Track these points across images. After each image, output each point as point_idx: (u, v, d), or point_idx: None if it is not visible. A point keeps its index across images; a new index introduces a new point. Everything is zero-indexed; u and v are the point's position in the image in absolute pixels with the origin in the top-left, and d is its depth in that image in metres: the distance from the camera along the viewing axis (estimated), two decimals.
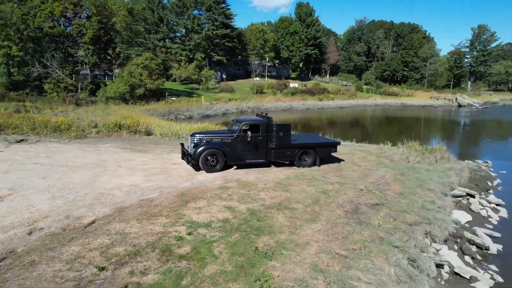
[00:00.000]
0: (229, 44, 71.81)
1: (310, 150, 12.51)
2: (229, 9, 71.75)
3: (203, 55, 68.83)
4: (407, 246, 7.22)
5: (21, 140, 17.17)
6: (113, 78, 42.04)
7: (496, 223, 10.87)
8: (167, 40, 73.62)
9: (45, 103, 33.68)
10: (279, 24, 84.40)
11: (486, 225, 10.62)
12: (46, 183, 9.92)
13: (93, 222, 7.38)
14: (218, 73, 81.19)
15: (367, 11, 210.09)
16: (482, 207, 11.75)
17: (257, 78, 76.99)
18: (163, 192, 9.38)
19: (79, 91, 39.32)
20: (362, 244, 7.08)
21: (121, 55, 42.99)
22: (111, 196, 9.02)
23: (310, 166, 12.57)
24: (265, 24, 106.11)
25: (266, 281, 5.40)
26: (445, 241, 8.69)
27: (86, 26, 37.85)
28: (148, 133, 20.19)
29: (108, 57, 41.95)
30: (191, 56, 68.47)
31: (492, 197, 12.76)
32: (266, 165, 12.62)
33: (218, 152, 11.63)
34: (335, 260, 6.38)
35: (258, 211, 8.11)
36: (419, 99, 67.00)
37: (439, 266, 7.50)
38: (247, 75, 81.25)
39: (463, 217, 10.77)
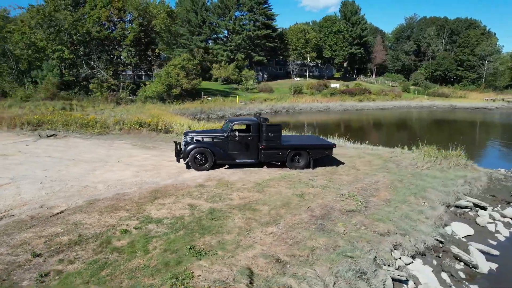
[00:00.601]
0: (270, 44, 72.00)
1: (303, 152, 12.20)
2: (270, 9, 71.95)
3: (243, 56, 69.78)
4: (361, 257, 6.79)
5: (51, 135, 18.82)
6: (153, 78, 44.26)
7: (503, 239, 9.79)
8: (210, 42, 75.83)
9: (89, 101, 36.48)
10: (322, 23, 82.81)
11: (490, 241, 9.60)
12: (44, 175, 10.82)
13: (62, 212, 7.93)
14: (260, 73, 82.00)
15: (418, 8, 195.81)
16: (491, 221, 10.62)
17: (298, 78, 76.30)
18: (141, 188, 9.76)
19: (120, 90, 41.96)
20: (311, 251, 6.80)
21: (160, 56, 45.09)
22: (93, 189, 9.60)
23: (302, 168, 12.26)
24: (310, 24, 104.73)
25: (183, 279, 5.43)
26: (423, 255, 8.01)
27: (128, 29, 40.31)
28: (167, 131, 21.02)
29: (148, 58, 44.20)
30: (232, 57, 69.80)
31: (509, 211, 11.46)
32: (260, 165, 12.54)
33: (207, 151, 11.81)
34: (272, 265, 6.21)
35: (219, 211, 8.13)
36: (471, 101, 61.65)
37: (401, 281, 6.94)
38: (289, 75, 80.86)
39: (463, 230, 9.85)
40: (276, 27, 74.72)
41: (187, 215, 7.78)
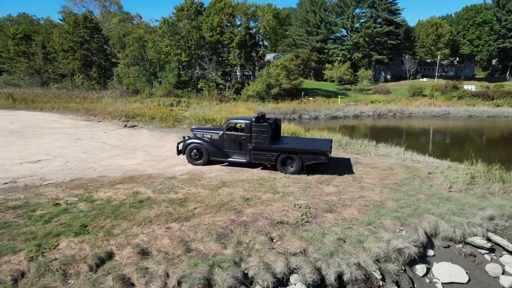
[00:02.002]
0: (392, 42, 65.91)
1: (295, 156, 11.43)
2: (395, 4, 65.71)
3: (360, 55, 66.12)
4: (232, 270, 6.30)
5: (132, 126, 22.62)
6: (255, 78, 46.82)
7: None
8: (330, 42, 74.49)
9: (197, 99, 41.50)
10: (461, 15, 70.63)
11: None
12: (77, 156, 13.48)
13: (47, 184, 9.94)
14: (382, 73, 76.31)
15: None
16: None
17: (424, 79, 67.54)
18: (124, 174, 11.15)
19: (226, 89, 46.02)
20: (187, 252, 6.72)
21: (263, 57, 47.23)
22: (92, 170, 11.51)
23: (293, 173, 11.51)
24: (453, 16, 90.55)
25: (44, 249, 6.34)
26: None
27: (235, 33, 43.79)
28: None
29: (252, 59, 46.86)
30: (348, 56, 67.09)
31: None
32: (255, 166, 12.36)
33: (202, 147, 12.40)
34: (133, 255, 6.48)
35: (150, 201, 8.71)
36: None
37: None
38: (415, 75, 72.32)
39: (449, 274, 7.78)
40: (401, 23, 67.72)
41: (118, 200, 8.66)
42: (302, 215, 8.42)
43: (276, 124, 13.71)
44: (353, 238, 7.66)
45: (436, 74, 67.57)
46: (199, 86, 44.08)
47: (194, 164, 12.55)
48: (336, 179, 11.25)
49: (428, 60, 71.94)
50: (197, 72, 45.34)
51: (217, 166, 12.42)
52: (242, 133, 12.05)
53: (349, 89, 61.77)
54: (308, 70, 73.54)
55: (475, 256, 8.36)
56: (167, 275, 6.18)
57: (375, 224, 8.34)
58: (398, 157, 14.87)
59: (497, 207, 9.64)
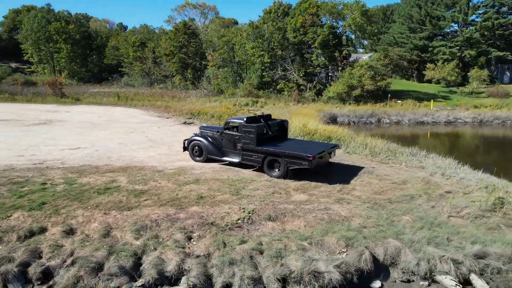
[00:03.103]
0: None
1: (280, 159, 10.86)
2: None
3: (473, 52, 56.66)
4: (122, 260, 6.59)
5: (190, 123, 24.51)
6: (337, 79, 44.84)
7: None
8: (434, 39, 66.02)
9: (275, 100, 42.14)
10: None
11: None
12: (110, 146, 15.48)
13: (61, 167, 11.82)
14: (507, 73, 64.20)
15: None
16: None
17: None
18: (127, 164, 12.38)
19: (307, 90, 45.41)
20: (102, 238, 7.28)
21: (348, 57, 44.90)
22: (106, 159, 13.15)
23: (278, 177, 10.99)
24: None
25: (7, 215, 7.73)
26: None
27: (318, 32, 42.74)
28: None
29: (336, 59, 44.87)
30: (458, 54, 58.28)
31: None
32: (249, 167, 12.21)
33: (202, 145, 12.85)
34: (60, 233, 7.36)
35: (116, 189, 9.57)
36: None
37: None
38: None
39: None
40: None
41: (91, 185, 9.79)
42: (238, 220, 8.10)
43: (281, 125, 13.28)
44: (274, 251, 7.03)
45: None
46: (278, 87, 44.62)
47: (195, 161, 13.10)
48: (320, 188, 10.29)
49: None
50: (278, 73, 45.94)
51: (213, 164, 12.69)
52: (236, 133, 12.05)
53: (455, 92, 53.69)
54: (411, 70, 66.74)
55: None
56: (71, 254, 6.84)
57: (314, 240, 7.46)
58: (429, 171, 12.58)
59: (502, 244, 7.50)
